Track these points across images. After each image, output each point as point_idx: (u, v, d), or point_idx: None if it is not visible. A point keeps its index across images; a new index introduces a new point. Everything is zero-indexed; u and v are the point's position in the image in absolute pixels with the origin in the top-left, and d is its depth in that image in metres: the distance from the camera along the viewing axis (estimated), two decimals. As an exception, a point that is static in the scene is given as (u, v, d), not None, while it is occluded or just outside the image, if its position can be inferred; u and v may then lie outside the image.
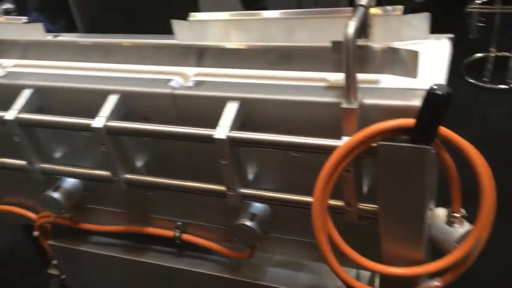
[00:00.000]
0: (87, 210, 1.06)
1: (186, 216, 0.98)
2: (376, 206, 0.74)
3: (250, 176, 0.85)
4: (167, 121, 0.82)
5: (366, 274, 0.88)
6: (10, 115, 0.89)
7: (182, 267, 1.02)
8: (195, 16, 0.87)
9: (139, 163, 0.92)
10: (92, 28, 1.54)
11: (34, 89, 0.91)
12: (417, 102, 0.65)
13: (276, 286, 0.94)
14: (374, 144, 0.67)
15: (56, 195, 0.96)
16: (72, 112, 0.87)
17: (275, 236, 0.91)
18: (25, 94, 0.90)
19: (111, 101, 0.84)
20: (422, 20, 0.75)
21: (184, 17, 0.88)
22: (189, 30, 0.88)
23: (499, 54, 3.05)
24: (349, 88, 0.67)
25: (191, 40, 0.87)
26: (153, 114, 0.85)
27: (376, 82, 0.73)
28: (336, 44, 0.68)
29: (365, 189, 0.78)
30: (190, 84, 0.83)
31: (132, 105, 0.85)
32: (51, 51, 0.95)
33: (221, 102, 0.77)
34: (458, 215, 0.72)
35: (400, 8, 0.75)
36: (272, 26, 0.84)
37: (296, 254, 0.93)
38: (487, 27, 3.05)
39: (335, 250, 0.74)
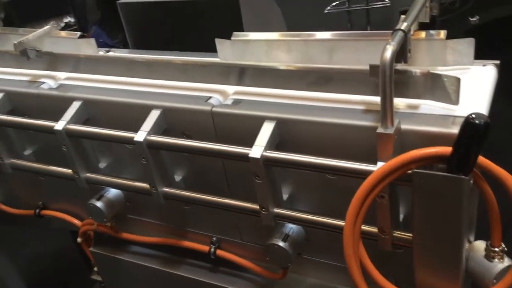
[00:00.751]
0: (127, 220, 1.09)
1: (221, 232, 0.98)
2: (411, 235, 0.71)
3: (285, 196, 0.84)
4: (206, 138, 0.83)
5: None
6: (59, 125, 0.93)
7: (216, 283, 1.03)
8: (238, 35, 0.89)
9: (177, 177, 0.94)
10: (141, 44, 1.60)
11: (83, 101, 0.95)
12: (455, 130, 0.63)
13: (308, 309, 0.93)
14: (409, 171, 0.65)
15: (99, 204, 1.00)
16: (117, 124, 0.91)
17: (308, 258, 0.90)
18: (74, 106, 0.95)
19: (153, 116, 0.86)
20: (466, 45, 0.73)
21: (227, 36, 0.90)
22: (231, 49, 0.89)
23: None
24: (385, 112, 0.66)
25: (232, 59, 0.89)
26: (192, 130, 0.87)
27: (414, 107, 0.72)
28: (373, 68, 0.67)
29: (401, 216, 0.76)
30: (229, 102, 0.84)
31: (173, 120, 0.87)
32: (101, 66, 0.99)
33: (258, 121, 0.78)
34: (498, 249, 0.69)
35: (443, 32, 0.73)
36: (312, 47, 0.84)
37: (329, 278, 0.91)
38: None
39: (367, 277, 0.72)
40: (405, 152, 0.64)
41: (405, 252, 0.74)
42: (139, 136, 0.85)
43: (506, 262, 0.69)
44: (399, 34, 0.67)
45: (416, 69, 0.69)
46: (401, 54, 0.68)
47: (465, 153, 0.59)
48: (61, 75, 1.04)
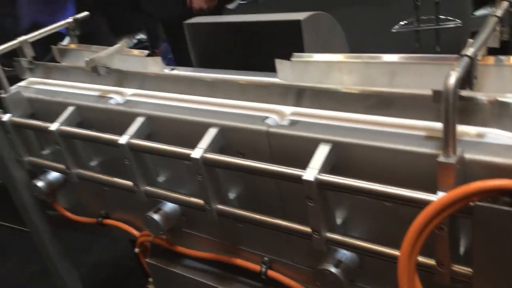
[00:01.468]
0: (182, 233, 1.11)
1: (273, 252, 0.98)
2: (472, 270, 0.67)
3: (338, 221, 0.82)
4: (261, 157, 0.83)
5: None
6: (123, 139, 0.97)
7: (266, 304, 1.02)
8: (298, 56, 0.89)
9: (231, 195, 0.95)
10: (204, 62, 1.64)
11: (146, 117, 0.99)
12: (523, 162, 0.59)
13: None
14: (471, 203, 0.62)
15: (156, 216, 1.02)
16: (176, 140, 0.93)
17: (361, 286, 0.87)
18: (138, 122, 0.99)
19: (210, 134, 0.88)
20: (540, 71, 0.69)
21: (288, 56, 0.90)
22: (291, 70, 0.89)
23: None
24: (447, 140, 0.63)
25: (292, 79, 0.89)
26: (248, 149, 0.87)
27: (480, 136, 0.68)
28: (436, 93, 0.64)
29: (462, 249, 0.72)
30: (285, 123, 0.84)
31: (229, 139, 0.88)
32: (165, 83, 1.02)
33: (313, 143, 0.77)
34: None
35: (514, 58, 0.69)
36: (374, 70, 0.83)
37: (382, 308, 0.88)
38: None
39: (421, 311, 0.69)
40: (468, 183, 0.61)
41: (464, 287, 0.70)
42: (196, 153, 0.87)
43: None
44: (465, 60, 0.64)
45: (483, 96, 0.66)
46: (467, 80, 0.65)
47: (532, 188, 0.55)
48: (128, 91, 1.09)
